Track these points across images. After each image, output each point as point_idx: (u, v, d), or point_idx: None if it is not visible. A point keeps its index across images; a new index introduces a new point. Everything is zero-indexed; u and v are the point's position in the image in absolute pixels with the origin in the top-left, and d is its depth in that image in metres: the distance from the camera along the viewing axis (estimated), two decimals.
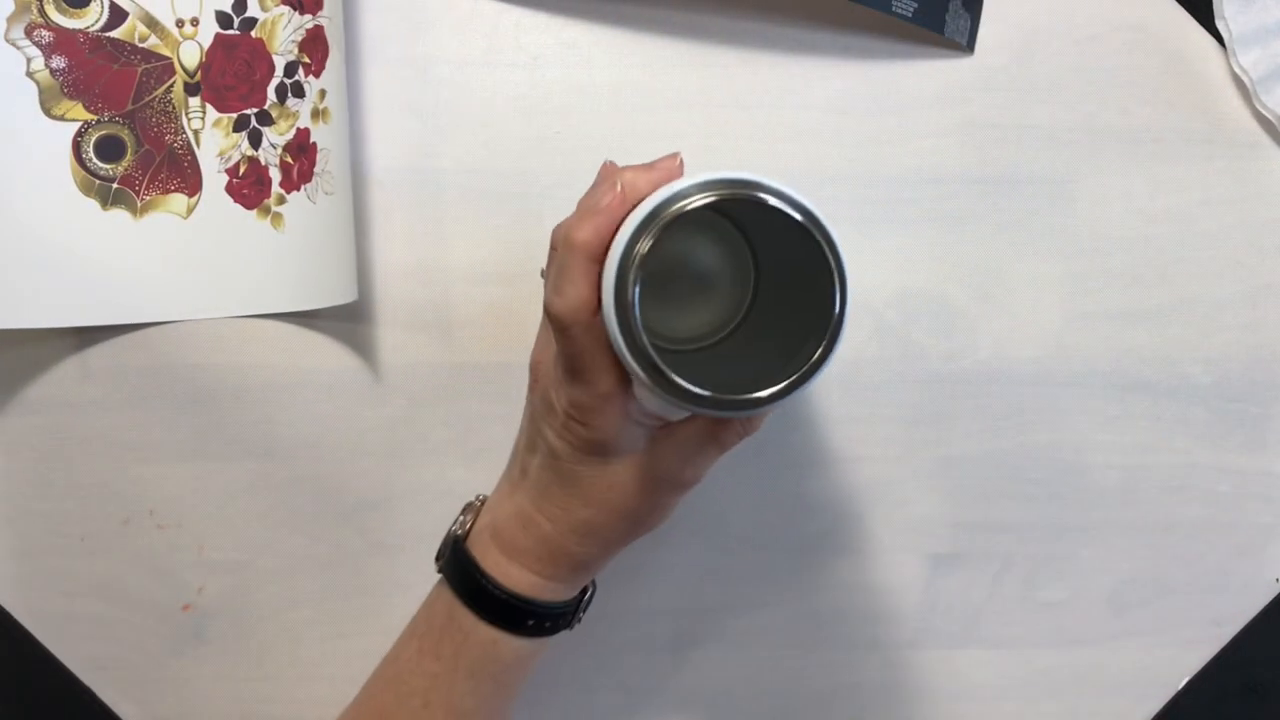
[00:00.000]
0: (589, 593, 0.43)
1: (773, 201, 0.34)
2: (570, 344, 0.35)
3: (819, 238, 0.35)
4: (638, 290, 0.34)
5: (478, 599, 0.40)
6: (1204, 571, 0.52)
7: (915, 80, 0.51)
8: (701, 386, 0.34)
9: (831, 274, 0.35)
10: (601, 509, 0.38)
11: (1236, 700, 0.52)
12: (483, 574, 0.40)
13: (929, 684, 0.51)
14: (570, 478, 0.38)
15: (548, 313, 0.36)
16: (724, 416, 0.38)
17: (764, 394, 0.35)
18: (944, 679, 0.51)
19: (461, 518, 0.43)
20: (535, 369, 0.40)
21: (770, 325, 0.44)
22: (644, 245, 0.34)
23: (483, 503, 0.43)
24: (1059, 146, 0.51)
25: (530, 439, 0.40)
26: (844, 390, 0.51)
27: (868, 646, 0.51)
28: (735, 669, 0.51)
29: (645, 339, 0.34)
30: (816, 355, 0.35)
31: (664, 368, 0.34)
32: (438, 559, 0.43)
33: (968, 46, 0.51)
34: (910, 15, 0.49)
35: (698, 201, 0.34)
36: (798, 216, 0.34)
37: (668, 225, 0.34)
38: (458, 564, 0.41)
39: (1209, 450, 0.52)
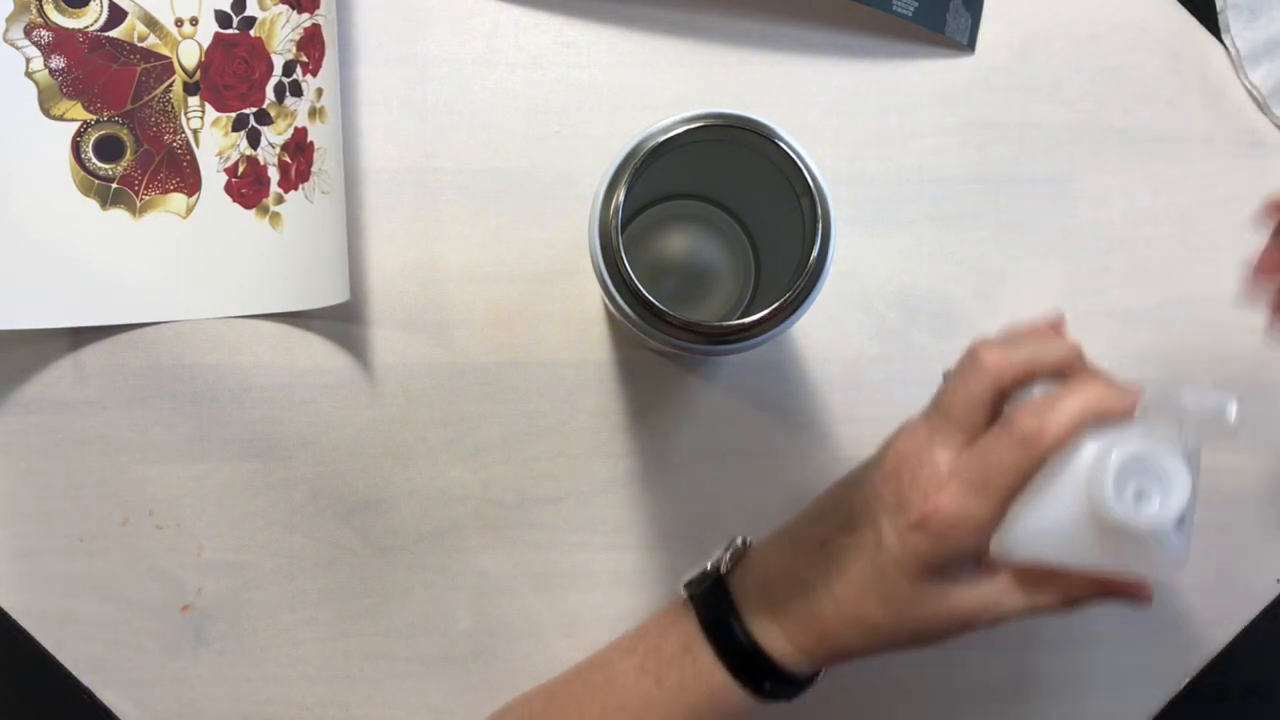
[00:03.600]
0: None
1: (733, 122, 0.36)
2: (1028, 462, 0.35)
3: (785, 148, 0.36)
4: (620, 219, 0.36)
5: (725, 644, 0.39)
6: (1204, 571, 0.52)
7: (916, 80, 0.51)
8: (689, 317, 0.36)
9: (811, 194, 0.36)
10: (898, 619, 0.37)
11: (1236, 700, 0.52)
12: (740, 622, 0.39)
13: (929, 684, 0.51)
14: (883, 578, 0.37)
15: (1022, 428, 0.35)
16: (715, 351, 0.38)
17: (751, 319, 0.36)
18: (944, 679, 0.51)
19: (724, 555, 0.41)
20: (900, 457, 0.38)
21: None
22: (622, 188, 0.36)
23: (746, 545, 0.42)
24: (1060, 146, 0.51)
25: (849, 517, 0.39)
26: (844, 390, 0.51)
27: None
28: None
29: (632, 274, 0.36)
30: (801, 282, 0.36)
31: (651, 299, 0.35)
32: (688, 585, 0.41)
33: (968, 46, 0.51)
34: (911, 15, 0.49)
35: (660, 137, 0.36)
36: (761, 134, 0.36)
37: (641, 165, 0.36)
38: (714, 602, 0.40)
39: (1209, 450, 0.52)
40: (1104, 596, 0.37)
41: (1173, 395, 0.35)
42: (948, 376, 0.39)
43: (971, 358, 0.37)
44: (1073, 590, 0.37)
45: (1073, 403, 0.35)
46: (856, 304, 0.51)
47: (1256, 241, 0.42)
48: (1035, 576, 0.37)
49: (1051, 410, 0.35)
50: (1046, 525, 0.35)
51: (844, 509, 0.39)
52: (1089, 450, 0.34)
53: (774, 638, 0.39)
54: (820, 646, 0.39)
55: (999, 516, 0.35)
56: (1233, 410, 0.34)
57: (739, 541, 0.42)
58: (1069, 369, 0.37)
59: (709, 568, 0.41)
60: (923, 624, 0.37)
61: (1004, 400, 0.37)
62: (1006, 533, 0.36)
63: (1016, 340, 0.37)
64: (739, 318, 0.36)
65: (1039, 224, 0.51)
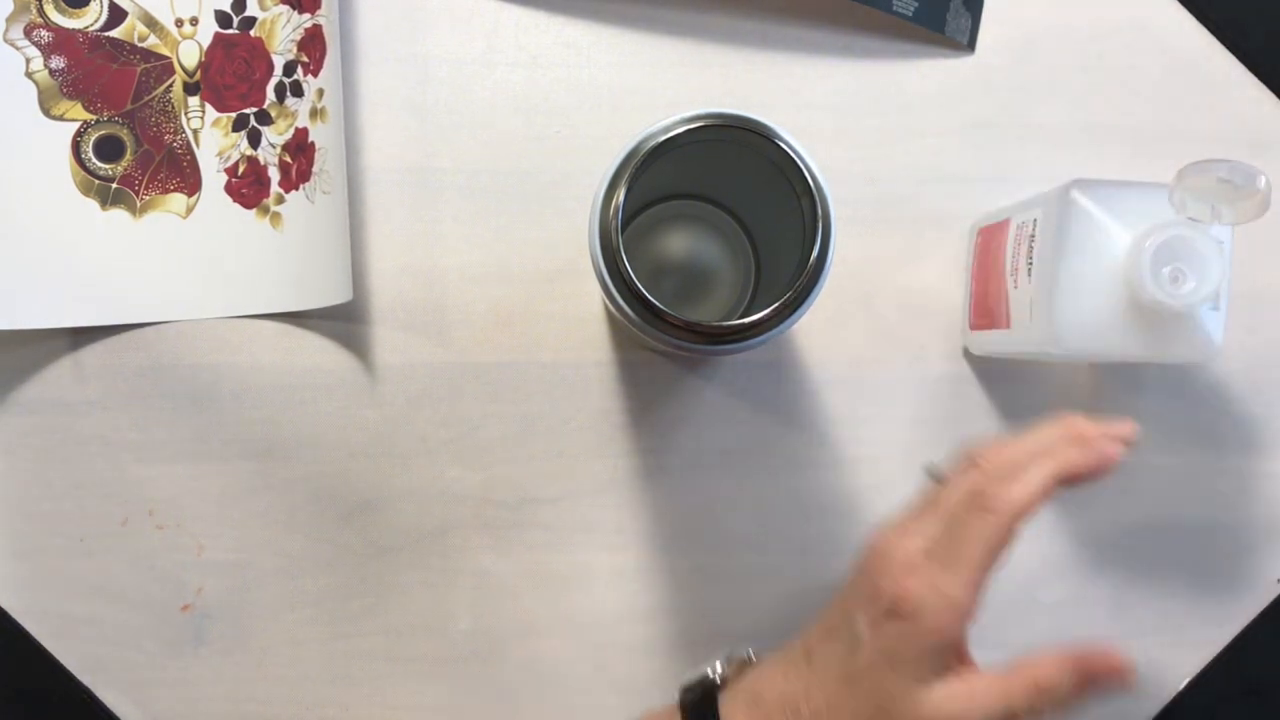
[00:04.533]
0: None
1: (733, 122, 0.36)
2: (999, 533, 0.34)
3: (785, 147, 0.36)
4: (620, 219, 0.36)
5: None
6: (1204, 571, 0.52)
7: (916, 80, 0.51)
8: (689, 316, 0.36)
9: (811, 193, 0.36)
10: (872, 714, 0.35)
11: (1236, 700, 0.52)
12: None
13: None
14: (857, 681, 0.35)
15: (992, 499, 0.34)
16: (715, 351, 0.38)
17: (751, 319, 0.36)
18: None
19: (721, 663, 0.42)
20: (872, 550, 0.37)
21: None
22: (622, 188, 0.36)
23: (750, 660, 0.42)
24: (1060, 146, 0.51)
25: (829, 621, 0.38)
26: (844, 390, 0.51)
27: None
28: None
29: (633, 274, 0.35)
30: (801, 281, 0.37)
31: (651, 299, 0.35)
32: (686, 691, 0.41)
33: (969, 46, 0.51)
34: (911, 15, 0.49)
35: (660, 137, 0.36)
36: (757, 132, 0.36)
37: (641, 165, 0.36)
38: (700, 713, 0.39)
39: (1209, 450, 0.52)
40: (1083, 689, 0.35)
41: (1206, 170, 0.36)
42: (933, 473, 0.39)
43: (976, 495, 0.35)
44: (1053, 690, 0.35)
45: (1043, 469, 0.35)
46: (856, 304, 0.51)
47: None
48: (1017, 676, 0.35)
49: (1020, 480, 0.35)
50: (1085, 316, 0.36)
51: (827, 614, 0.38)
52: (1124, 238, 0.35)
53: None
54: None
55: (974, 593, 0.34)
56: (1263, 181, 0.35)
57: (745, 654, 0.42)
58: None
59: (707, 674, 0.41)
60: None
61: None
62: (1050, 328, 0.35)
63: (1020, 461, 0.36)
64: (739, 318, 0.36)
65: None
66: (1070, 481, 0.35)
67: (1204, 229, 0.37)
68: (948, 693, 0.35)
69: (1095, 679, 0.35)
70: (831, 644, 0.37)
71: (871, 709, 0.35)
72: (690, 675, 0.42)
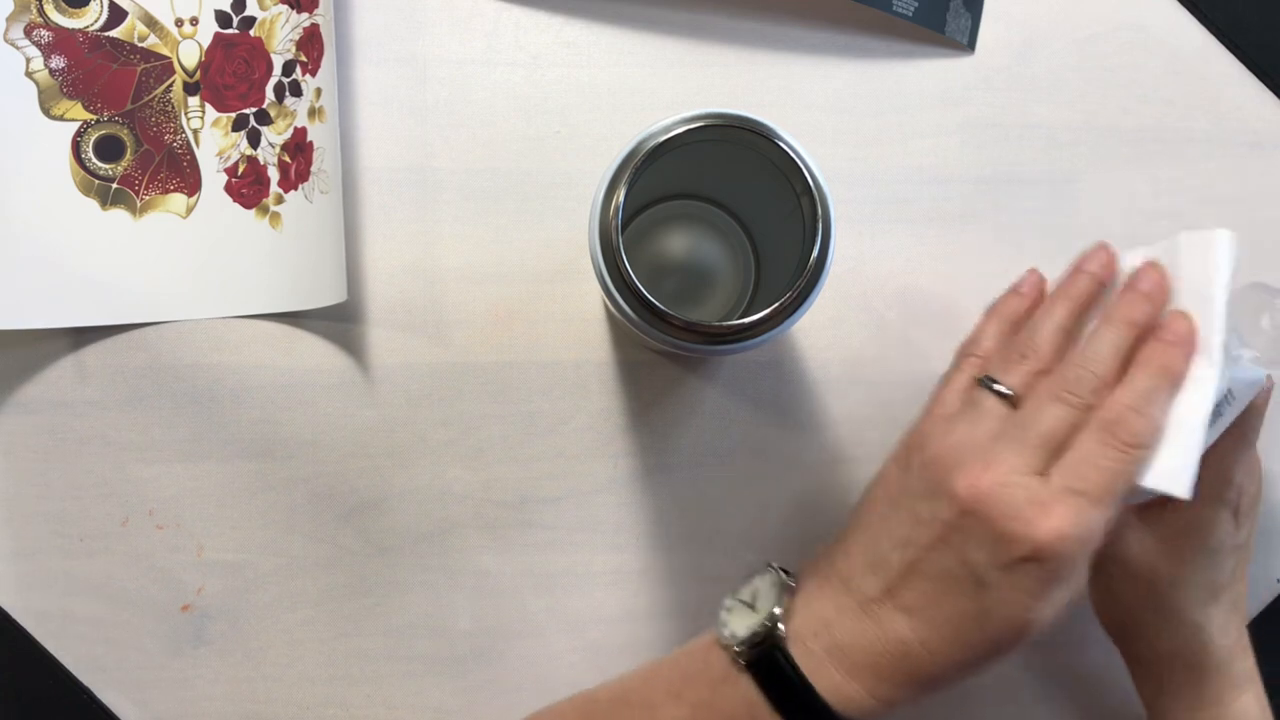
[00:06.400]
0: None
1: (733, 122, 0.36)
2: (1134, 465, 0.34)
3: (785, 147, 0.36)
4: (620, 219, 0.36)
5: (797, 713, 0.36)
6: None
7: (916, 80, 0.51)
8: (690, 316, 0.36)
9: (811, 193, 0.36)
10: (1007, 650, 0.35)
11: None
12: (814, 694, 0.35)
13: None
14: (987, 620, 0.34)
15: (1126, 428, 0.34)
16: (715, 351, 0.38)
17: (751, 319, 0.36)
18: None
19: (771, 602, 0.38)
20: (972, 486, 0.34)
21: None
22: (622, 189, 0.36)
23: (788, 580, 0.39)
24: (1060, 146, 0.51)
25: (918, 564, 0.35)
26: (844, 390, 0.51)
27: None
28: None
29: (633, 274, 0.35)
30: (801, 281, 0.37)
31: (652, 299, 0.35)
32: (741, 645, 0.37)
33: (969, 46, 0.51)
34: (911, 15, 0.49)
35: (660, 137, 0.36)
36: (755, 131, 0.36)
37: (641, 165, 0.36)
38: (776, 670, 0.36)
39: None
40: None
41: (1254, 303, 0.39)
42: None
43: (1108, 424, 0.35)
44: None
45: (1150, 371, 0.36)
46: (856, 304, 0.51)
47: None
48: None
49: (1146, 410, 0.35)
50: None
51: (907, 553, 0.36)
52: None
53: (855, 697, 0.36)
54: (914, 695, 0.36)
55: (1109, 523, 0.34)
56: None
57: (780, 575, 0.39)
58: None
59: (758, 625, 0.37)
60: (1028, 640, 0.35)
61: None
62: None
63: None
64: (739, 318, 0.36)
65: (1039, 224, 0.51)
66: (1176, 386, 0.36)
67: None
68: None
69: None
70: (931, 585, 0.35)
71: (1009, 637, 0.34)
72: (728, 609, 0.39)
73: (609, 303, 0.38)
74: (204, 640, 0.49)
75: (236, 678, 0.49)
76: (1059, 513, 0.33)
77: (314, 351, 0.49)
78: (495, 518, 0.50)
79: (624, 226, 0.36)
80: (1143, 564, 0.43)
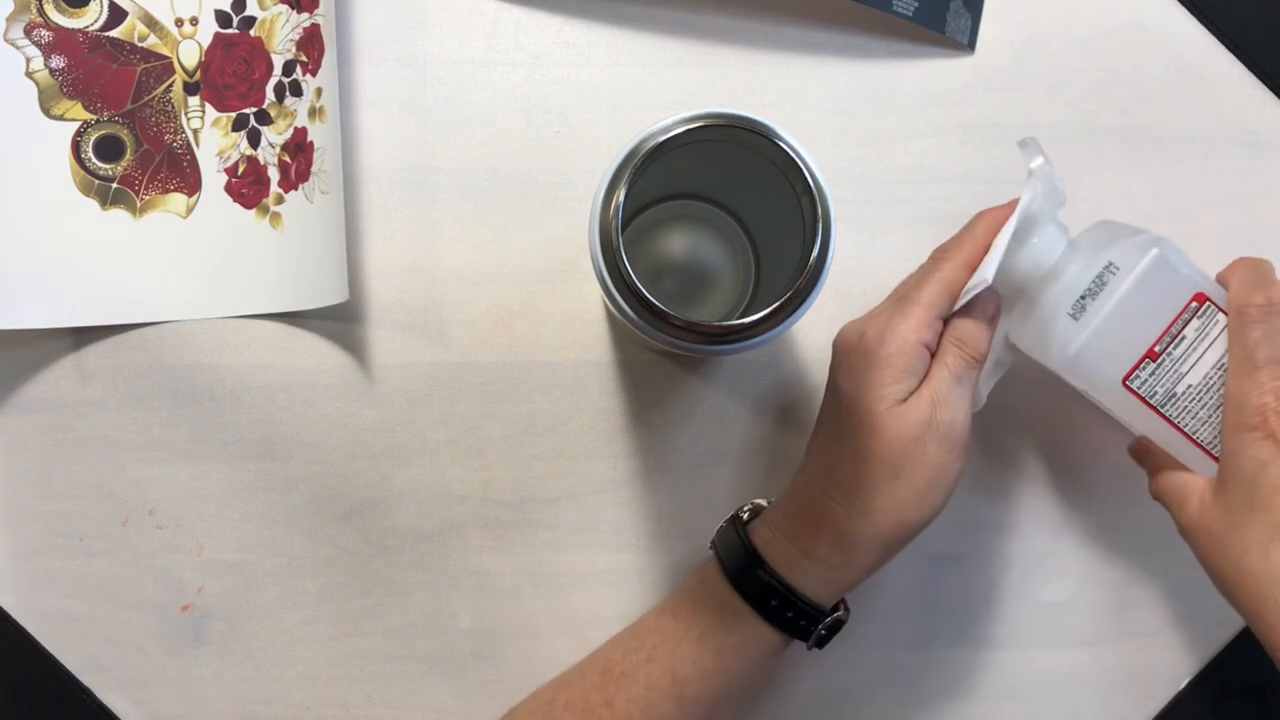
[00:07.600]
0: (839, 619, 0.43)
1: (733, 122, 0.36)
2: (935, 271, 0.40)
3: (785, 147, 0.36)
4: (620, 219, 0.36)
5: (733, 558, 0.42)
6: (1204, 571, 0.52)
7: (916, 80, 0.51)
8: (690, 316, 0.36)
9: (811, 193, 0.36)
10: (864, 458, 0.39)
11: (1236, 700, 0.52)
12: (743, 527, 0.43)
13: (929, 684, 0.51)
14: (857, 429, 0.39)
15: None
16: (715, 351, 0.39)
17: (751, 319, 0.36)
18: (944, 679, 0.51)
19: (745, 506, 0.46)
20: (841, 335, 0.42)
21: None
22: (622, 188, 0.36)
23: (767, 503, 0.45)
24: (1060, 146, 0.51)
25: (821, 423, 0.43)
26: None
27: (868, 646, 0.51)
28: None
29: (633, 274, 0.35)
30: (801, 281, 0.37)
31: (652, 299, 0.35)
32: (710, 544, 0.45)
33: (969, 46, 0.51)
34: (911, 15, 0.49)
35: (660, 137, 0.36)
36: (754, 131, 0.36)
37: (641, 165, 0.36)
38: (728, 530, 0.44)
39: None
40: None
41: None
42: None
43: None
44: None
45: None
46: (856, 304, 0.51)
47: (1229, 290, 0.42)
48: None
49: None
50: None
51: (818, 423, 0.44)
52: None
53: (779, 547, 0.41)
54: (817, 537, 0.41)
55: (926, 315, 0.39)
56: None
57: (761, 502, 0.46)
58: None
59: (730, 521, 0.45)
60: (887, 449, 0.39)
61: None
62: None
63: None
64: (739, 318, 0.36)
65: None
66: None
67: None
68: (921, 394, 0.40)
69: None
70: (827, 426, 0.43)
71: (881, 445, 0.39)
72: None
73: (609, 303, 0.38)
74: (204, 640, 0.49)
75: (236, 678, 0.49)
76: (878, 318, 0.41)
77: (314, 351, 0.49)
78: (495, 518, 0.50)
79: (624, 226, 0.36)
80: (1201, 525, 0.43)
